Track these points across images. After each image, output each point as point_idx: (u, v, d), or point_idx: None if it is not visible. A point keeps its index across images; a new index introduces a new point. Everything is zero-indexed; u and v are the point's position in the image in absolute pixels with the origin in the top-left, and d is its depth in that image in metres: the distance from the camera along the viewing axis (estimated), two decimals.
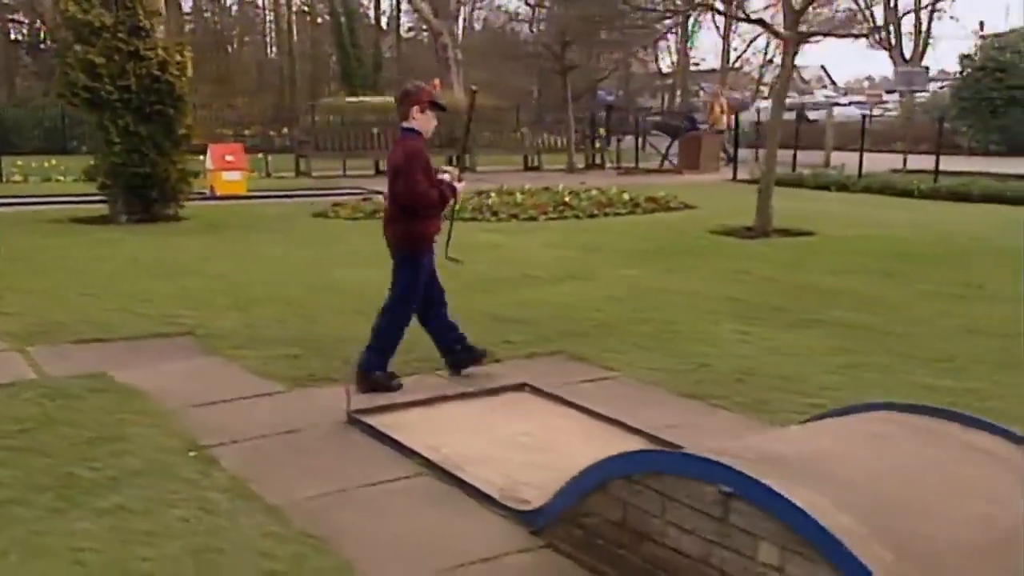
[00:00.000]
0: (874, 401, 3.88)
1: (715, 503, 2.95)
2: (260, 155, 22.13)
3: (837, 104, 39.54)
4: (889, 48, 45.91)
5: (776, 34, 11.15)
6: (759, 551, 2.83)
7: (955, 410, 3.43)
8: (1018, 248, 10.18)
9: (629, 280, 8.83)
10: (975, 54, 29.18)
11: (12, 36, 41.41)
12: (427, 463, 4.35)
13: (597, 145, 24.65)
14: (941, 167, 17.55)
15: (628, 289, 8.41)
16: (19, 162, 20.65)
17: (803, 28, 12.43)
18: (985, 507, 2.84)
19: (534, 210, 13.54)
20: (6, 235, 11.11)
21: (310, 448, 4.60)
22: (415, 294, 5.47)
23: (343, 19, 42.82)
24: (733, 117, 23.55)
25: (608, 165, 24.49)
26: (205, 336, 6.64)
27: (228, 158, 16.65)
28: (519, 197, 14.46)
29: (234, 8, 50.92)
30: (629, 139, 26.60)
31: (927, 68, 32.68)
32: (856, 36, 15.67)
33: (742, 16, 10.75)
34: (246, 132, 30.25)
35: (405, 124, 5.33)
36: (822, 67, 64.37)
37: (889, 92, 41.14)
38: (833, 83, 65.07)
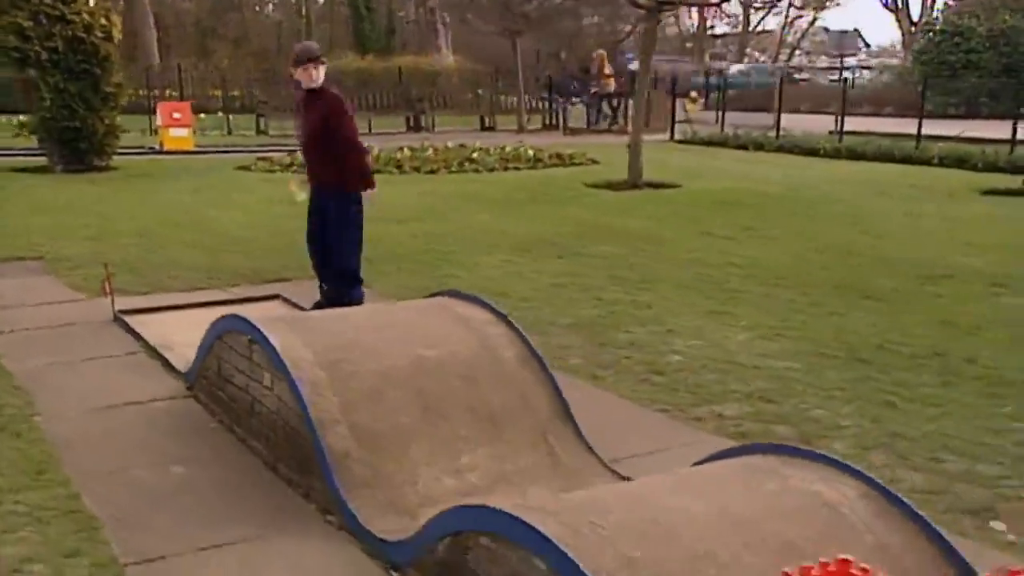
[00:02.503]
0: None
1: (246, 348, 4.16)
2: (220, 114, 23.38)
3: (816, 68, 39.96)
4: (895, 10, 46.39)
5: (635, 4, 12.09)
6: (264, 377, 4.03)
7: (473, 295, 4.61)
8: (826, 198, 11.29)
9: (470, 222, 9.98)
10: (935, 19, 29.69)
11: None
12: (147, 346, 5.57)
13: (551, 107, 25.62)
14: (885, 129, 18.37)
15: (456, 228, 9.57)
16: None
17: None
18: (415, 348, 4.02)
19: (436, 164, 14.67)
20: None
21: (70, 336, 5.83)
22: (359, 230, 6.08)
23: None
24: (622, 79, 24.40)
25: (569, 127, 25.50)
26: (52, 260, 7.89)
27: (176, 115, 17.88)
28: (429, 152, 15.58)
29: None
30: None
31: (858, 32, 33.06)
32: (711, 4, 16.34)
33: None
34: (234, 93, 31.55)
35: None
36: (855, 30, 64.12)
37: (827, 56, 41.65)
38: (868, 45, 64.94)
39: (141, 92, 25.34)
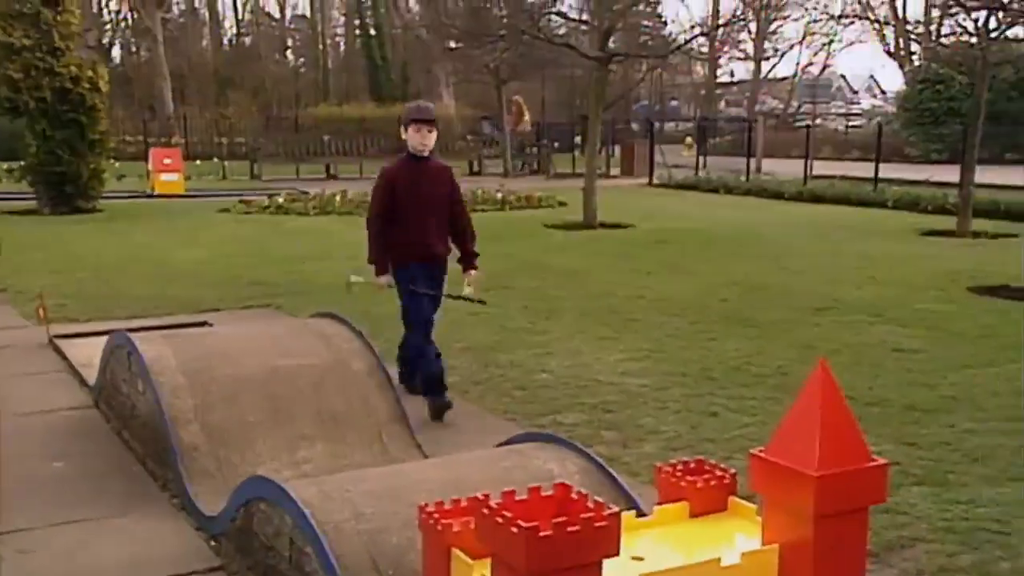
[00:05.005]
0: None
1: (127, 360, 4.73)
2: (215, 160, 24.29)
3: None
4: (900, 59, 47.19)
5: (583, 55, 12.76)
6: (138, 384, 4.60)
7: (341, 316, 5.17)
8: (762, 238, 11.83)
9: None
10: (918, 68, 30.36)
11: None
12: (71, 366, 6.16)
13: (539, 152, 26.38)
14: (864, 174, 18.96)
15: None
16: None
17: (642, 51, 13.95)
18: (273, 359, 4.58)
19: None
20: None
21: (3, 356, 6.44)
22: (408, 312, 5.39)
23: (372, 31, 45.17)
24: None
25: (554, 171, 26.25)
26: (13, 292, 8.54)
27: (167, 161, 18.67)
28: None
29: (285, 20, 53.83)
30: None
31: (831, 81, 33.78)
32: (661, 56, 17.05)
33: (545, 38, 12.35)
34: (239, 140, 32.59)
35: None
36: (871, 76, 64.65)
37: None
38: (883, 92, 65.57)
39: (139, 138, 26.20)
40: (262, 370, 4.55)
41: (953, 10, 11.89)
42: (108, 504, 4.04)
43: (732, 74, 52.06)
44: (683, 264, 10.08)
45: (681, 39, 17.55)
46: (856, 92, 58.97)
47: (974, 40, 12.57)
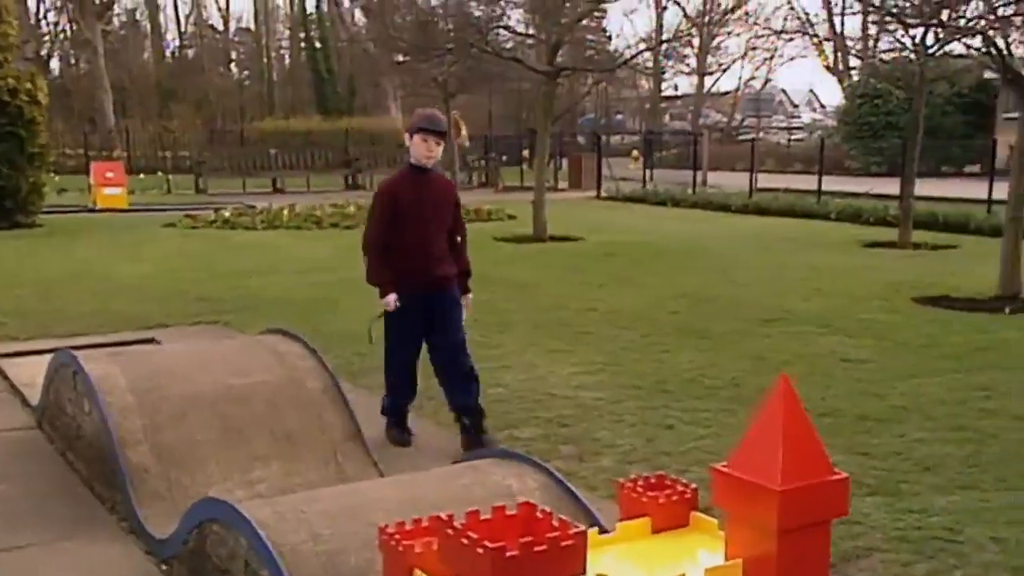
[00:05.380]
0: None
1: (71, 380, 4.61)
2: (159, 173, 23.92)
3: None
4: (838, 74, 48.15)
5: (532, 69, 12.82)
6: (84, 404, 4.48)
7: (294, 333, 5.10)
8: (709, 250, 11.95)
9: (356, 272, 10.46)
10: (857, 82, 31.00)
11: None
12: (11, 386, 5.99)
13: (487, 165, 26.41)
14: (807, 187, 19.28)
15: (352, 278, 10.06)
16: None
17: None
18: (225, 377, 4.50)
19: (357, 220, 15.20)
20: None
21: None
22: (391, 336, 5.01)
23: (318, 44, 44.86)
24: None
25: (503, 185, 26.29)
26: None
27: (109, 175, 18.33)
28: (351, 208, 16.14)
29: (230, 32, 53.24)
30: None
31: (772, 95, 34.48)
32: (609, 70, 17.25)
33: (493, 51, 12.38)
34: (183, 153, 32.12)
35: None
36: (811, 91, 65.77)
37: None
38: (822, 106, 66.73)
39: (79, 152, 25.72)
40: (214, 389, 4.47)
41: (891, 26, 12.12)
42: (53, 528, 3.92)
43: (676, 88, 52.76)
44: (633, 277, 10.14)
45: (628, 53, 17.59)
46: (796, 106, 60.08)
47: (912, 56, 12.86)
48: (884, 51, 12.46)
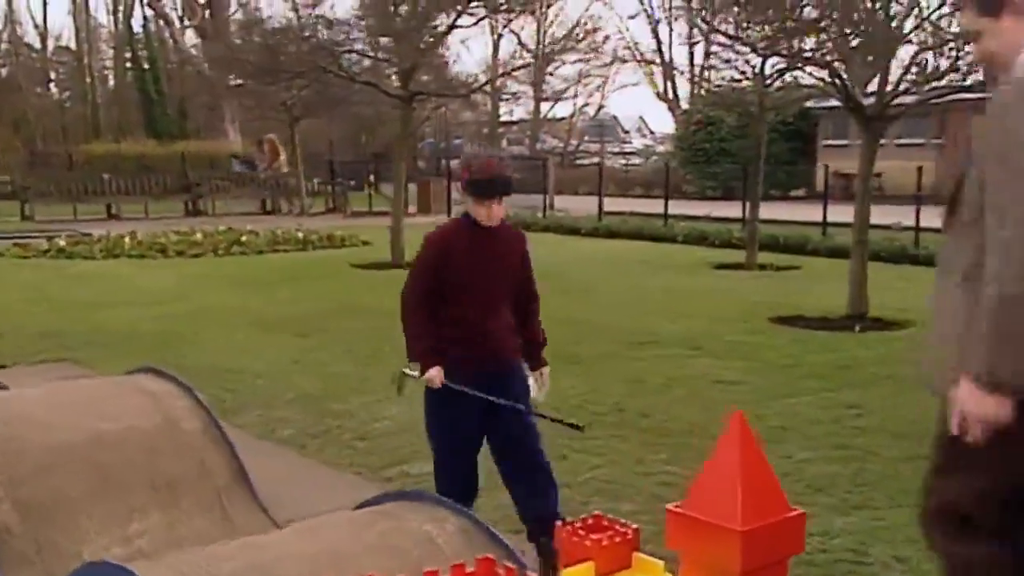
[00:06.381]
0: None
1: None
2: None
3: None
4: (668, 102, 50.03)
5: (387, 93, 12.69)
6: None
7: (166, 371, 4.77)
8: (567, 273, 12.13)
9: (221, 302, 10.06)
10: (691, 109, 32.31)
11: None
12: None
13: (334, 190, 25.96)
14: (651, 210, 19.73)
15: (204, 309, 9.64)
16: None
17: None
18: (94, 423, 4.15)
19: (203, 248, 14.61)
20: None
21: None
22: (440, 436, 4.12)
23: (146, 66, 42.94)
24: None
25: (351, 210, 25.87)
26: None
27: None
28: (198, 236, 15.49)
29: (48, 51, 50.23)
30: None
31: (615, 119, 35.80)
32: (464, 95, 17.45)
33: (348, 76, 12.21)
34: (3, 178, 30.10)
35: None
36: (640, 117, 67.63)
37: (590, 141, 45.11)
38: (652, 132, 68.84)
39: None
40: (83, 436, 4.10)
41: (733, 55, 12.61)
42: None
43: (512, 113, 53.54)
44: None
45: (481, 78, 17.67)
46: (627, 132, 62.06)
47: (746, 84, 13.42)
48: (728, 80, 12.82)
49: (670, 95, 47.15)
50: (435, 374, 3.88)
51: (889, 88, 8.72)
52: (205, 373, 6.75)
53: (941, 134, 28.93)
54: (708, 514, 2.24)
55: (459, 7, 12.44)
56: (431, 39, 12.61)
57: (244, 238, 15.52)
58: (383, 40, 12.76)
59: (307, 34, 12.62)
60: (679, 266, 13.41)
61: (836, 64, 8.69)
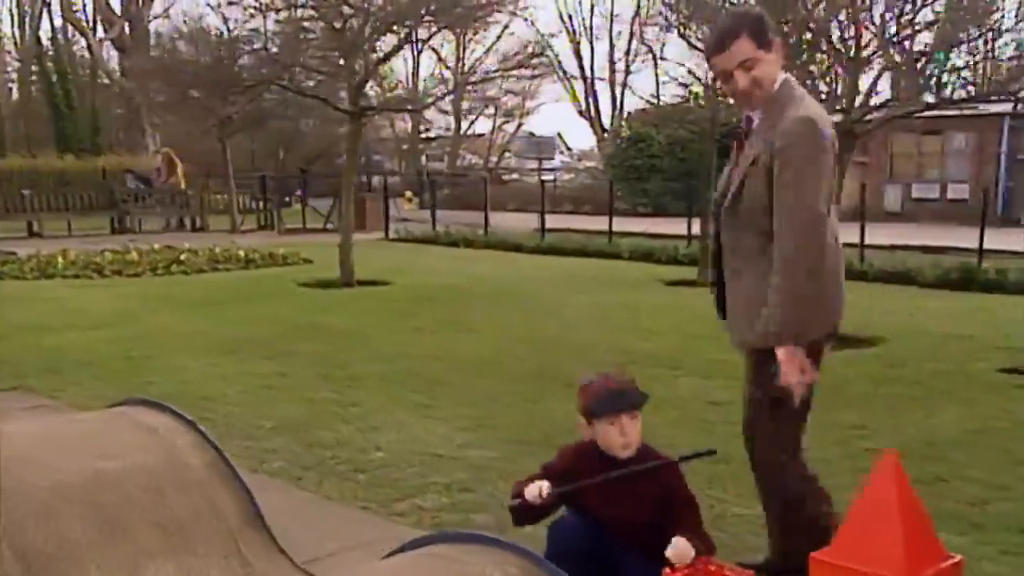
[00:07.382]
0: None
1: None
2: None
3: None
4: (589, 118, 50.45)
5: (336, 108, 12.40)
6: None
7: (159, 402, 4.46)
8: (524, 292, 12.00)
9: (173, 325, 9.62)
10: (622, 127, 32.59)
11: None
12: None
13: (266, 207, 25.41)
14: (586, 227, 19.61)
15: (158, 331, 9.20)
16: None
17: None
18: (92, 461, 3.83)
19: (140, 267, 14.05)
20: None
21: None
22: None
23: (55, 78, 41.40)
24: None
25: (284, 227, 25.29)
26: None
27: None
28: (134, 255, 14.91)
29: None
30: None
31: (555, 137, 36.03)
32: (416, 111, 17.30)
33: (297, 91, 11.93)
34: None
35: None
36: (558, 134, 67.78)
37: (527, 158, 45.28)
38: (569, 149, 69.11)
39: None
40: (82, 476, 3.77)
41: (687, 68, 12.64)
42: None
43: (428, 130, 53.23)
44: (462, 321, 9.90)
45: (436, 93, 17.44)
46: (571, 149, 62.36)
47: (701, 102, 13.51)
48: (682, 98, 12.89)
49: (591, 112, 47.73)
50: (543, 488, 3.64)
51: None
52: (176, 400, 6.29)
53: (864, 152, 29.71)
54: (862, 563, 2.10)
55: (409, 23, 12.23)
56: (381, 55, 12.36)
57: (183, 256, 14.99)
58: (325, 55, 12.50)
59: (257, 46, 12.24)
60: (632, 283, 13.37)
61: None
